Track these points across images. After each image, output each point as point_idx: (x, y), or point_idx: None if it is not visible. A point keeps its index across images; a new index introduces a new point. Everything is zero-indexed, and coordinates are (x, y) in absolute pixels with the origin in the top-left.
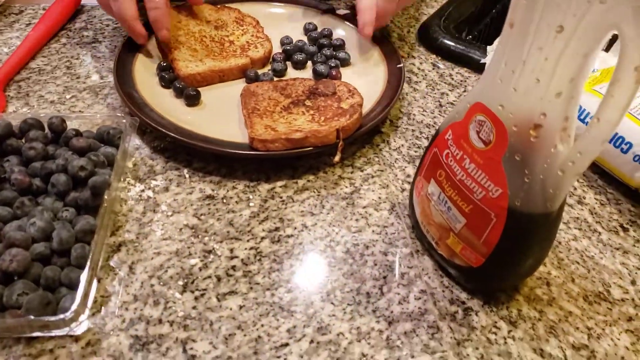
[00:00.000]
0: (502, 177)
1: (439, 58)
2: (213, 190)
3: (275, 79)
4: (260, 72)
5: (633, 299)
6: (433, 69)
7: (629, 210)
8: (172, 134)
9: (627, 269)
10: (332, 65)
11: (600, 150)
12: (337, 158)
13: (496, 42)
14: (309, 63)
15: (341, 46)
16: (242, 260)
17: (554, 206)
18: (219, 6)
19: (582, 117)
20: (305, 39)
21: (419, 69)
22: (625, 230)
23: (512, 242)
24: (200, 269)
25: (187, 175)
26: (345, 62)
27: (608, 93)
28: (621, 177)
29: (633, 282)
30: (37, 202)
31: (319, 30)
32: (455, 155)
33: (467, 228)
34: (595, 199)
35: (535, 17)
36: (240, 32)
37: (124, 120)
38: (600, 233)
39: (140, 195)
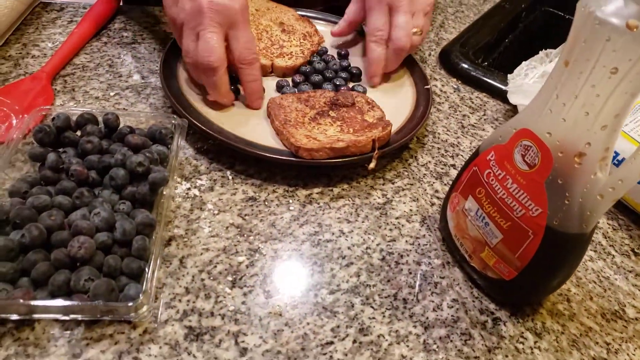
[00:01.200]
0: (543, 198)
1: (460, 82)
2: (255, 192)
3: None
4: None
5: None
6: (454, 91)
7: (639, 236)
8: (222, 137)
9: (639, 290)
10: (343, 76)
11: (639, 179)
12: (372, 164)
13: (516, 70)
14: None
15: (345, 56)
16: (285, 261)
17: (589, 227)
18: (303, 16)
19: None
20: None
21: (441, 90)
22: (636, 254)
23: (546, 259)
24: (247, 267)
25: (230, 177)
26: (353, 75)
27: None
28: (632, 204)
29: None
30: (94, 194)
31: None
32: (498, 175)
33: (503, 243)
34: (608, 223)
35: (593, 59)
36: (298, 43)
37: (174, 121)
38: (614, 256)
39: (187, 193)
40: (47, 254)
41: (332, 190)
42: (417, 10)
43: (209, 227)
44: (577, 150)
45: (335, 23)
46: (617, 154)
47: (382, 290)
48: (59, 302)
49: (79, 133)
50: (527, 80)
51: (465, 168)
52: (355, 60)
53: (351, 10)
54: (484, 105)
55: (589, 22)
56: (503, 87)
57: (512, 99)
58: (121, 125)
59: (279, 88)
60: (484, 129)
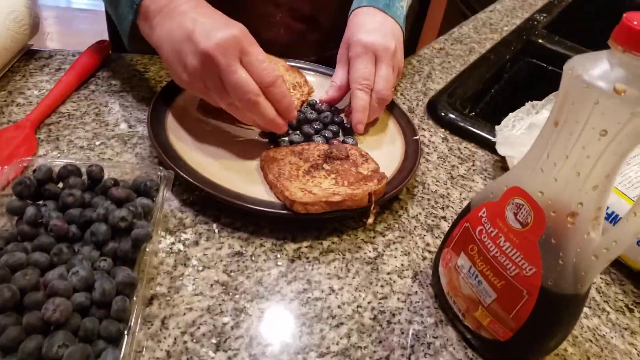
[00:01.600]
0: (537, 257)
1: (448, 132)
2: (242, 247)
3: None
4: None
5: None
6: (442, 142)
7: (632, 291)
8: (210, 190)
9: (635, 349)
10: (333, 129)
11: (632, 240)
12: (370, 220)
13: (503, 122)
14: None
15: (336, 111)
16: (272, 321)
17: (584, 288)
18: (293, 66)
19: None
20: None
21: (429, 141)
22: (630, 310)
23: (541, 320)
24: (232, 328)
25: (216, 230)
26: (346, 129)
27: None
28: (625, 259)
29: None
30: (74, 250)
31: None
32: (490, 233)
33: (497, 303)
34: (601, 278)
35: (582, 121)
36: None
37: (160, 173)
38: (608, 312)
39: (171, 248)
40: (19, 318)
41: (321, 243)
42: (395, 66)
43: (193, 284)
44: (570, 210)
45: (324, 74)
46: (613, 213)
47: (374, 352)
48: None
49: (61, 185)
50: (515, 131)
51: (457, 223)
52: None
53: (339, 76)
54: (473, 155)
55: (577, 84)
56: (491, 138)
57: (501, 150)
58: (105, 177)
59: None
60: (473, 180)
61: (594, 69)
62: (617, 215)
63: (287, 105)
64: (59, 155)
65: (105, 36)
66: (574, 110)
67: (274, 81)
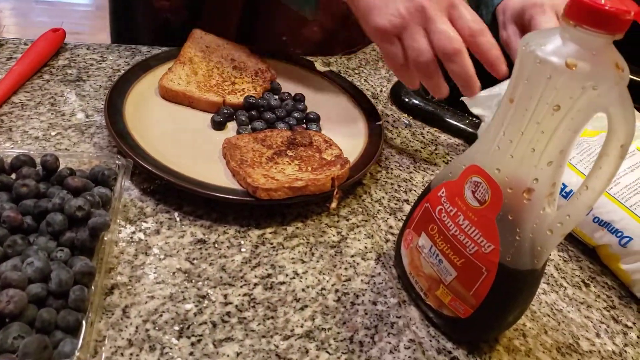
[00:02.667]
0: (495, 234)
1: (411, 117)
2: (204, 234)
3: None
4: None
5: (599, 351)
6: (406, 127)
7: (588, 267)
8: (170, 179)
9: (591, 322)
10: (297, 116)
11: (585, 214)
12: (334, 205)
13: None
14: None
15: (301, 99)
16: (236, 306)
17: (540, 263)
18: (255, 52)
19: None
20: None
21: (393, 126)
22: (586, 285)
23: (500, 296)
24: (195, 315)
25: (178, 219)
26: (311, 120)
27: (596, 165)
28: (581, 236)
29: (597, 335)
30: (29, 241)
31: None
32: (449, 212)
33: (457, 280)
34: (559, 255)
35: (535, 96)
36: (250, 79)
37: (118, 162)
38: (565, 288)
39: (131, 237)
40: None
41: (285, 229)
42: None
43: (155, 273)
44: (526, 186)
45: (286, 60)
46: (564, 186)
47: (338, 333)
48: None
49: (14, 176)
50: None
51: (418, 204)
52: (310, 104)
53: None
54: (436, 140)
55: (531, 60)
56: (453, 122)
57: (474, 110)
58: (61, 167)
59: (239, 123)
60: (435, 164)
61: (547, 45)
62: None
63: (497, 55)
64: (12, 146)
65: (65, 27)
66: (529, 86)
67: (482, 29)
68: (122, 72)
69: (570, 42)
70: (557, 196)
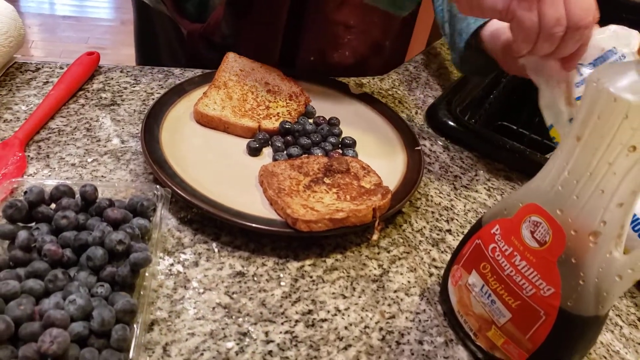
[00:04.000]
0: (556, 277)
1: (448, 141)
2: (243, 266)
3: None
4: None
5: None
6: (444, 151)
7: None
8: (209, 209)
9: None
10: (333, 141)
11: None
12: (375, 237)
13: None
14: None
15: (336, 123)
16: (278, 345)
17: (605, 309)
18: (289, 77)
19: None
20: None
21: (430, 150)
22: None
23: (559, 342)
24: (236, 353)
25: (216, 250)
26: (346, 145)
27: None
28: None
29: None
30: (70, 276)
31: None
32: (504, 251)
33: (512, 323)
34: None
35: (608, 136)
36: (284, 103)
37: (156, 192)
38: (621, 327)
39: (169, 270)
40: (14, 350)
41: (325, 261)
42: None
43: (194, 308)
44: (592, 229)
45: (321, 83)
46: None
47: None
48: None
49: (53, 206)
50: None
51: (467, 240)
52: (345, 128)
53: None
54: (475, 165)
55: (603, 97)
56: (492, 146)
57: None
58: (100, 197)
59: (275, 149)
60: (477, 191)
61: (622, 80)
62: None
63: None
64: (49, 173)
65: (90, 42)
66: (600, 125)
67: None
68: (156, 95)
69: None
70: (625, 239)
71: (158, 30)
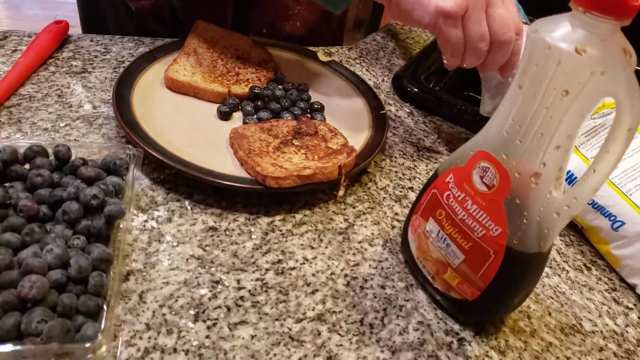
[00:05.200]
0: (502, 217)
1: (413, 107)
2: (215, 222)
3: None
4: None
5: (601, 331)
6: (408, 116)
7: (589, 251)
8: (181, 168)
9: (593, 304)
10: (302, 106)
11: (592, 196)
12: (341, 192)
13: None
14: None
15: (305, 89)
16: (249, 291)
17: (546, 245)
18: (259, 43)
19: None
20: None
21: (395, 115)
22: (588, 269)
23: (507, 278)
24: (209, 299)
25: (188, 207)
26: (315, 110)
27: (604, 148)
28: (579, 222)
29: (600, 316)
30: (46, 230)
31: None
32: (457, 197)
33: (465, 263)
34: (560, 240)
35: (545, 82)
36: (253, 69)
37: (128, 152)
38: (568, 271)
39: (144, 225)
40: None
41: (294, 216)
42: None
43: (169, 259)
44: (533, 170)
45: (290, 49)
46: (569, 172)
47: (348, 316)
48: (9, 347)
49: (27, 167)
50: None
51: (425, 191)
52: (313, 94)
53: None
54: (438, 128)
55: (540, 46)
56: (454, 111)
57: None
58: (73, 157)
59: (245, 113)
60: (439, 152)
61: (557, 31)
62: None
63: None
64: (22, 137)
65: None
66: (538, 72)
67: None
68: (127, 63)
69: (579, 28)
70: (563, 180)
71: (104, 6)
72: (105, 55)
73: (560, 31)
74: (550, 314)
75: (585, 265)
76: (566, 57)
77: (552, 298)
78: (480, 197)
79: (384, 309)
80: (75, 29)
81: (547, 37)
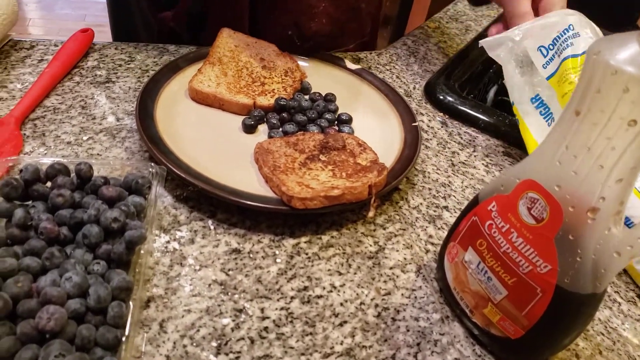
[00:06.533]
0: (553, 254)
1: (447, 116)
2: (239, 243)
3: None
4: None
5: None
6: (442, 127)
7: None
8: (204, 186)
9: None
10: (329, 118)
11: None
12: (371, 214)
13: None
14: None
15: (332, 100)
16: (274, 321)
17: (602, 286)
18: (285, 52)
19: None
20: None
21: (428, 126)
22: None
23: (556, 318)
24: (232, 330)
25: (212, 227)
26: (343, 122)
27: None
28: None
29: None
30: (66, 254)
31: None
32: (501, 228)
33: (508, 300)
34: None
35: (608, 110)
36: (279, 79)
37: (151, 169)
38: (620, 303)
39: (166, 247)
40: (12, 327)
41: (320, 238)
42: None
43: (191, 285)
44: (590, 205)
45: (317, 59)
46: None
47: (379, 351)
48: None
49: (49, 184)
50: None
51: (464, 217)
52: (341, 104)
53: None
54: (474, 140)
55: (602, 70)
56: (491, 122)
57: (492, 53)
58: (95, 175)
59: (270, 126)
60: (475, 167)
61: (623, 53)
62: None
63: None
64: (45, 152)
65: (88, 20)
66: (599, 98)
67: None
68: (151, 72)
69: None
70: (624, 215)
71: (134, 10)
72: (129, 64)
73: (628, 53)
74: (601, 352)
75: (638, 296)
76: (635, 83)
77: (603, 334)
78: (527, 230)
79: (418, 344)
80: (104, 28)
81: (612, 60)
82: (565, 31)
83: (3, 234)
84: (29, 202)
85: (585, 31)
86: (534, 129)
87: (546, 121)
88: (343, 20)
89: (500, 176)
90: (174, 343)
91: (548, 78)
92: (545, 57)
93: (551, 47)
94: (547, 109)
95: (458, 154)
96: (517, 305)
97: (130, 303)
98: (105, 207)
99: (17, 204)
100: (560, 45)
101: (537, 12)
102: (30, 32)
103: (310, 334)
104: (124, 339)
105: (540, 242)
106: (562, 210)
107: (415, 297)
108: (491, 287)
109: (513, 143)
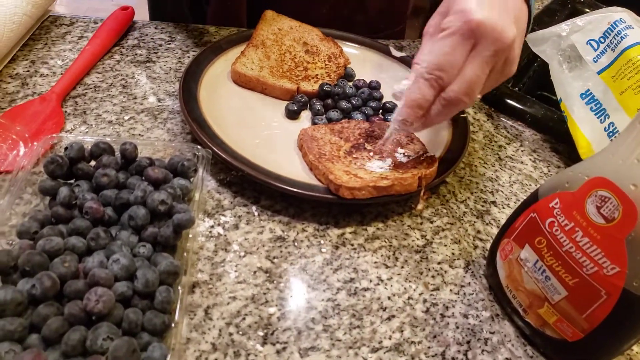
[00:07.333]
0: (622, 256)
1: (492, 109)
2: (283, 231)
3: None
4: (296, 109)
5: None
6: (488, 119)
7: None
8: (251, 172)
9: None
10: (373, 105)
11: None
12: (420, 206)
13: None
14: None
15: (377, 87)
16: (320, 312)
17: None
18: (328, 37)
19: None
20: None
21: (474, 118)
22: None
23: (619, 323)
24: (278, 319)
25: (256, 213)
26: (387, 110)
27: None
28: None
29: None
30: (111, 235)
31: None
32: (564, 226)
33: (567, 301)
34: None
35: None
36: (323, 65)
37: (197, 152)
38: None
39: (210, 232)
40: (59, 307)
41: (366, 229)
42: (497, 67)
43: (236, 271)
44: None
45: (363, 44)
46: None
47: (429, 348)
48: None
49: (93, 163)
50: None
51: (521, 213)
52: (386, 92)
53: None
54: (520, 135)
55: None
56: (539, 116)
57: (537, 49)
58: (140, 156)
59: (314, 112)
60: (522, 162)
61: None
62: None
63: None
64: (87, 130)
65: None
66: None
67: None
68: (192, 54)
69: None
70: None
71: None
72: (169, 44)
73: None
74: None
75: None
76: None
77: None
78: (594, 229)
79: (468, 342)
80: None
81: None
82: (616, 23)
83: (48, 213)
84: (73, 181)
85: (638, 24)
86: (584, 125)
87: (597, 118)
88: (348, 12)
89: (564, 172)
90: (220, 330)
91: (599, 72)
92: (595, 50)
93: (602, 39)
94: (598, 105)
95: (505, 148)
96: (578, 307)
97: (179, 288)
98: (151, 188)
99: (62, 182)
100: (614, 38)
101: None
102: (57, 11)
103: (358, 327)
104: (172, 324)
105: (609, 242)
106: (637, 211)
107: (464, 294)
108: (549, 287)
109: (561, 139)
